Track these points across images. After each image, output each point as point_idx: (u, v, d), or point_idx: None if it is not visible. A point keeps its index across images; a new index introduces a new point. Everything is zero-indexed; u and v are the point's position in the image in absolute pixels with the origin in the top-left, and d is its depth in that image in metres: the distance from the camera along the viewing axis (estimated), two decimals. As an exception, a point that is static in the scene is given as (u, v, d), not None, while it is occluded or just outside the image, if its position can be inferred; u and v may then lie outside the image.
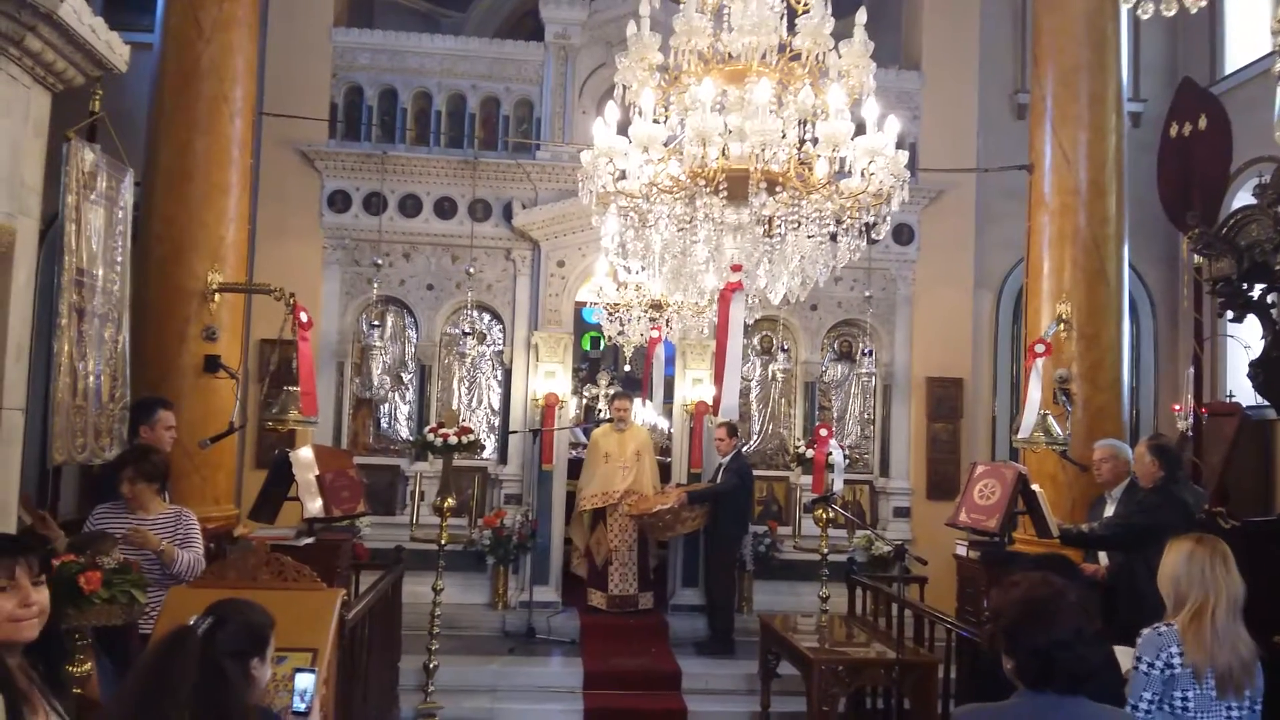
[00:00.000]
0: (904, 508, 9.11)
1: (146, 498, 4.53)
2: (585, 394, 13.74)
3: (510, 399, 8.92)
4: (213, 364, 6.60)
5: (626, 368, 13.20)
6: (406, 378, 9.04)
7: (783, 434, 9.27)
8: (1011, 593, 2.40)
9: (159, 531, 4.44)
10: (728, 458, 8.05)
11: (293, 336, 6.42)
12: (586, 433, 10.43)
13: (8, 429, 3.44)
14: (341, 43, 8.91)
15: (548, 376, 8.74)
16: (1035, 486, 5.95)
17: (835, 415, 9.29)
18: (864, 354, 9.27)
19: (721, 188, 4.04)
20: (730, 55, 4.24)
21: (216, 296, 6.69)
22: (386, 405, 9.02)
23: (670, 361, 9.27)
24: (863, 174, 4.14)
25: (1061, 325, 7.02)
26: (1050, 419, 6.59)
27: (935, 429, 9.16)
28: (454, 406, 8.89)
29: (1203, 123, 7.90)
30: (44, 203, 3.71)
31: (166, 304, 6.60)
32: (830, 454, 7.15)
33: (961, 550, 5.91)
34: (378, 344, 9.02)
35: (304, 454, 5.82)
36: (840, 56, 4.21)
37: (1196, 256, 5.66)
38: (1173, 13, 2.98)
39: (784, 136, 4.05)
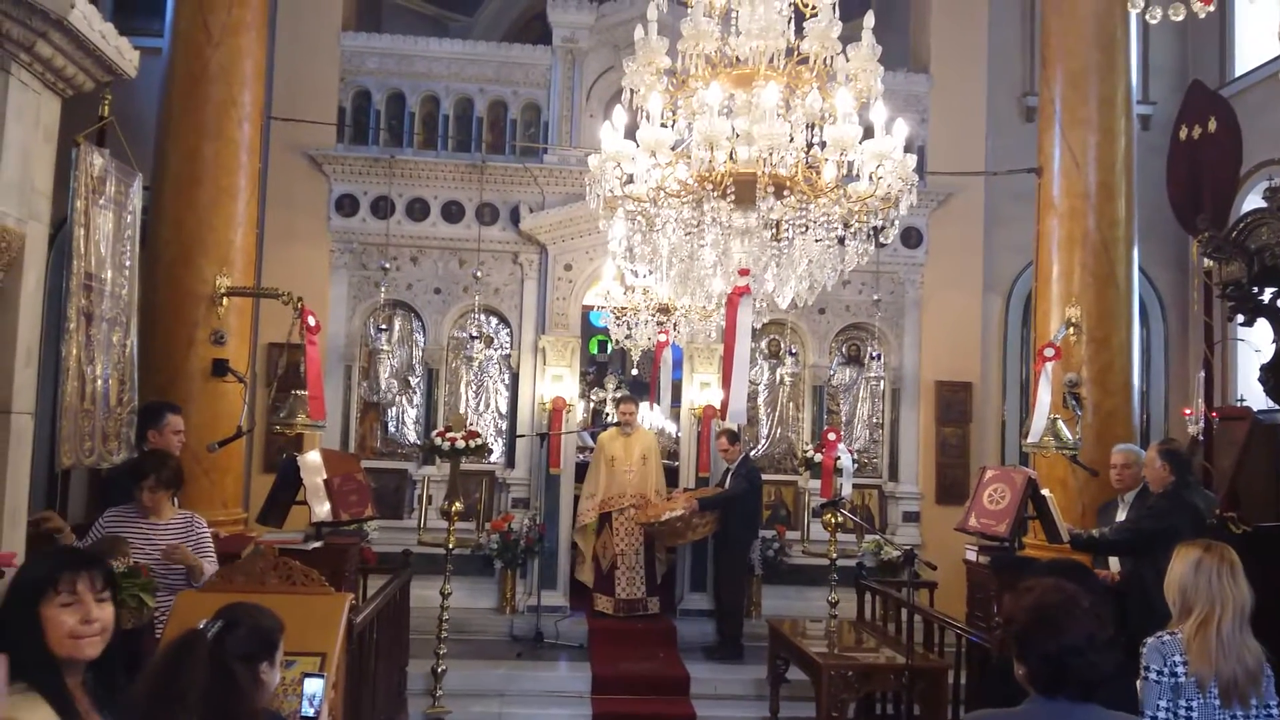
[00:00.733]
0: (913, 512, 9.08)
1: (161, 504, 4.55)
2: (593, 398, 13.73)
3: (518, 403, 8.92)
4: (221, 368, 6.62)
5: (634, 371, 13.17)
6: (414, 381, 9.05)
7: (791, 438, 9.25)
8: (1024, 599, 2.38)
9: (173, 536, 4.45)
10: (736, 462, 8.03)
11: (300, 340, 6.43)
12: (594, 436, 10.43)
13: (17, 432, 3.44)
14: (349, 47, 8.94)
15: (555, 380, 8.74)
16: (1045, 491, 5.92)
17: (844, 419, 9.27)
18: (872, 358, 9.25)
19: (729, 192, 4.03)
20: (738, 59, 4.23)
21: (225, 300, 6.71)
22: (394, 409, 9.03)
23: (678, 365, 9.25)
24: (871, 178, 4.12)
25: (1071, 329, 6.99)
26: (1060, 423, 6.55)
27: (944, 433, 9.13)
28: (461, 410, 8.89)
29: (1213, 125, 7.86)
30: (53, 207, 3.72)
31: (175, 308, 6.62)
32: (839, 458, 7.13)
33: (971, 555, 5.88)
34: (385, 348, 9.03)
35: (312, 458, 5.83)
36: (848, 60, 4.19)
37: (1207, 260, 5.64)
38: (1181, 18, 2.97)
39: (791, 140, 4.03)
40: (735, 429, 8.02)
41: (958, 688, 5.61)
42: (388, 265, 8.74)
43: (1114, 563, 5.81)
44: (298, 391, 6.41)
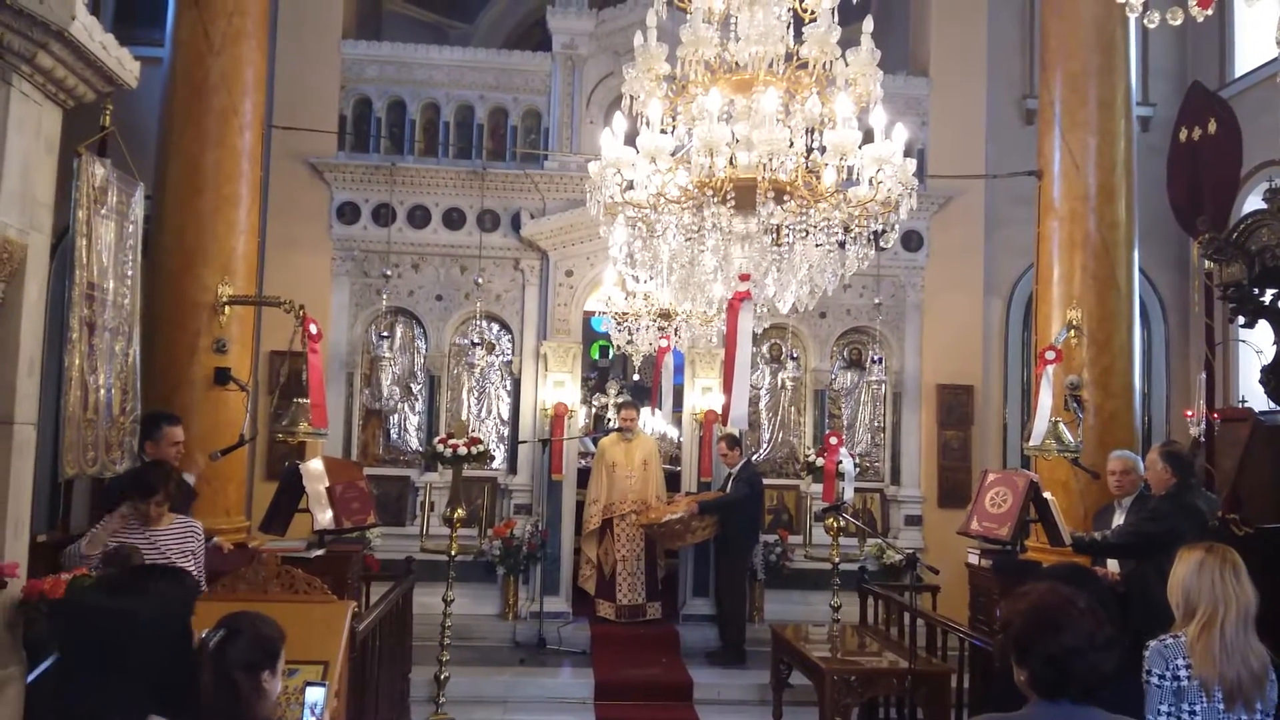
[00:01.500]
0: (915, 516, 9.06)
1: (161, 512, 4.55)
2: (594, 403, 13.74)
3: (519, 409, 8.93)
4: (223, 376, 6.62)
5: (635, 376, 13.21)
6: (416, 388, 9.06)
7: (793, 442, 9.24)
8: (1020, 602, 2.38)
9: (171, 541, 4.45)
10: (737, 467, 8.02)
11: (302, 348, 6.44)
12: (596, 442, 10.43)
13: (20, 443, 3.45)
14: (350, 55, 8.96)
15: (557, 386, 8.74)
16: (1047, 494, 5.92)
17: (845, 423, 9.26)
18: (874, 361, 9.25)
19: (729, 197, 4.04)
20: (737, 64, 4.24)
21: (226, 309, 6.71)
22: (396, 416, 9.03)
23: (679, 370, 9.26)
24: (871, 182, 4.12)
25: (1072, 331, 6.99)
26: (1062, 426, 6.55)
27: (946, 436, 9.12)
28: (463, 417, 8.89)
29: (1212, 127, 7.86)
30: (55, 217, 3.74)
31: (177, 317, 6.63)
32: (840, 462, 7.14)
33: (974, 559, 5.88)
34: (387, 355, 9.04)
35: (314, 466, 5.85)
36: (847, 65, 4.20)
37: (1207, 261, 5.64)
38: (1179, 22, 2.96)
39: (791, 145, 4.04)
40: (737, 434, 8.01)
41: (961, 692, 5.59)
42: (389, 272, 8.76)
43: (1113, 563, 5.81)
44: (300, 399, 6.42)
